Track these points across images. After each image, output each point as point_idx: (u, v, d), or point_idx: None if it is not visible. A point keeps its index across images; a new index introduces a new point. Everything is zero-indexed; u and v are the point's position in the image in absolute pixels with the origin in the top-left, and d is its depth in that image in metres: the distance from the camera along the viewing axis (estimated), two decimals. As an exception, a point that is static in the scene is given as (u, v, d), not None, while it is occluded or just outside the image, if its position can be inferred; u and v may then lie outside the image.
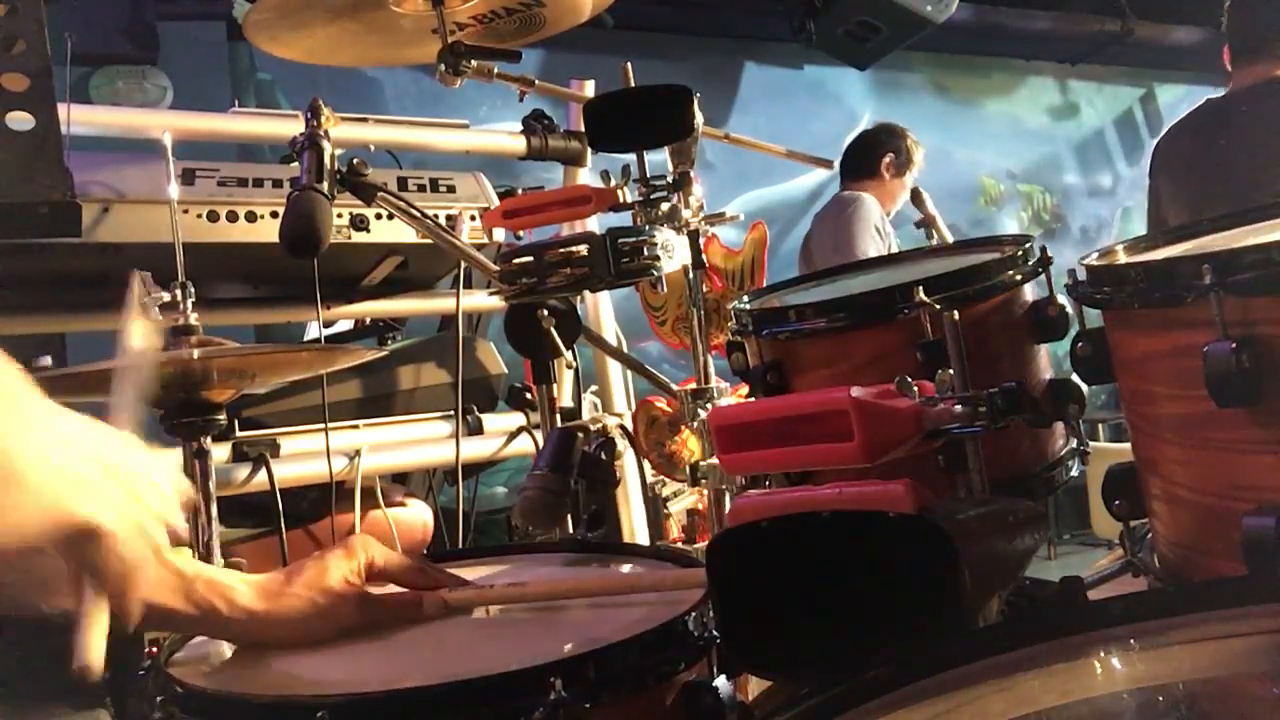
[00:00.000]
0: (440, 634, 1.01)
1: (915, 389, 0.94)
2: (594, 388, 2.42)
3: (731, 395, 1.51)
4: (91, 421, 0.76)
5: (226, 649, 1.00)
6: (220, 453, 1.92)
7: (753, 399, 1.33)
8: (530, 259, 1.30)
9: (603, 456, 1.28)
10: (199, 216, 1.93)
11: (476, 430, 2.26)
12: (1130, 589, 1.02)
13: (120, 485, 0.75)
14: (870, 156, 4.11)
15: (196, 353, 1.43)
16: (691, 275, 1.48)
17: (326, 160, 1.50)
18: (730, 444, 0.97)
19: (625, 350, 2.28)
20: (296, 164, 1.53)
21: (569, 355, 1.35)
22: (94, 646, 0.75)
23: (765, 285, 1.62)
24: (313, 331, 2.42)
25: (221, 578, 0.98)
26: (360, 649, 0.98)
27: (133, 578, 0.76)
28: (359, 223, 2.06)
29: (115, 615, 0.77)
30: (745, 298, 1.41)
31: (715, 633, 0.89)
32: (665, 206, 1.42)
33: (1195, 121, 3.01)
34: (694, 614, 0.89)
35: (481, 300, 2.38)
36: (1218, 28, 3.06)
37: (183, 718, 0.85)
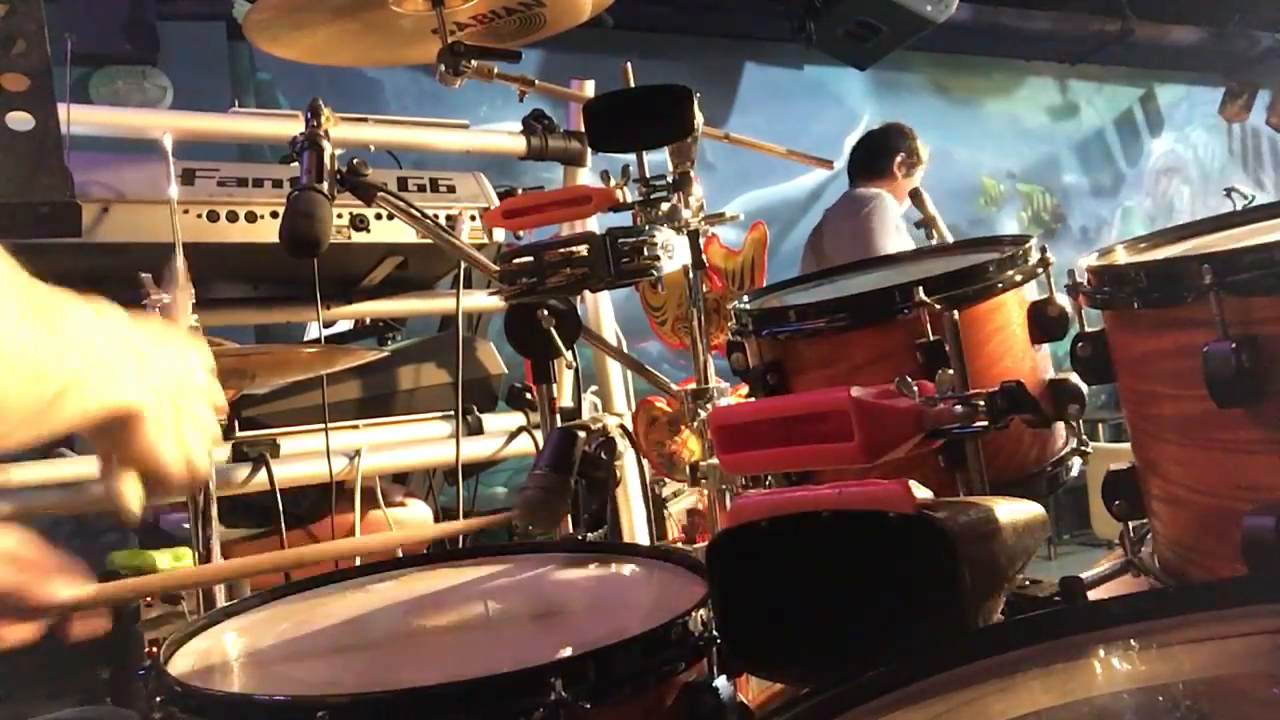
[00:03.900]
0: (440, 634, 1.01)
1: (915, 389, 0.94)
2: (594, 388, 2.42)
3: (731, 395, 1.51)
4: (124, 315, 0.78)
5: (227, 648, 1.00)
6: (220, 453, 1.92)
7: (753, 399, 1.33)
8: (530, 259, 1.30)
9: (603, 456, 1.28)
10: (199, 216, 1.93)
11: (476, 430, 2.27)
12: (1130, 589, 1.02)
13: (156, 373, 0.78)
14: (882, 155, 4.12)
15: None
16: (691, 275, 1.48)
17: (326, 160, 1.50)
18: (730, 444, 0.97)
19: (625, 350, 2.28)
20: (296, 164, 1.53)
21: (569, 355, 1.35)
22: (129, 495, 0.79)
23: (765, 285, 1.62)
24: (313, 331, 2.42)
25: None
26: (360, 649, 0.98)
27: (169, 455, 0.78)
28: (359, 223, 2.06)
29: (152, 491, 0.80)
30: (745, 298, 1.41)
31: (715, 633, 0.89)
32: (665, 206, 1.42)
33: None
34: (694, 614, 0.89)
35: (481, 300, 2.38)
36: (1218, 28, 3.06)
37: (183, 718, 0.85)
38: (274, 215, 1.95)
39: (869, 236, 3.82)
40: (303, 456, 2.02)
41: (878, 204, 3.92)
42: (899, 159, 4.10)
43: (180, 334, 0.86)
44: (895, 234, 3.86)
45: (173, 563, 1.84)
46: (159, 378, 0.78)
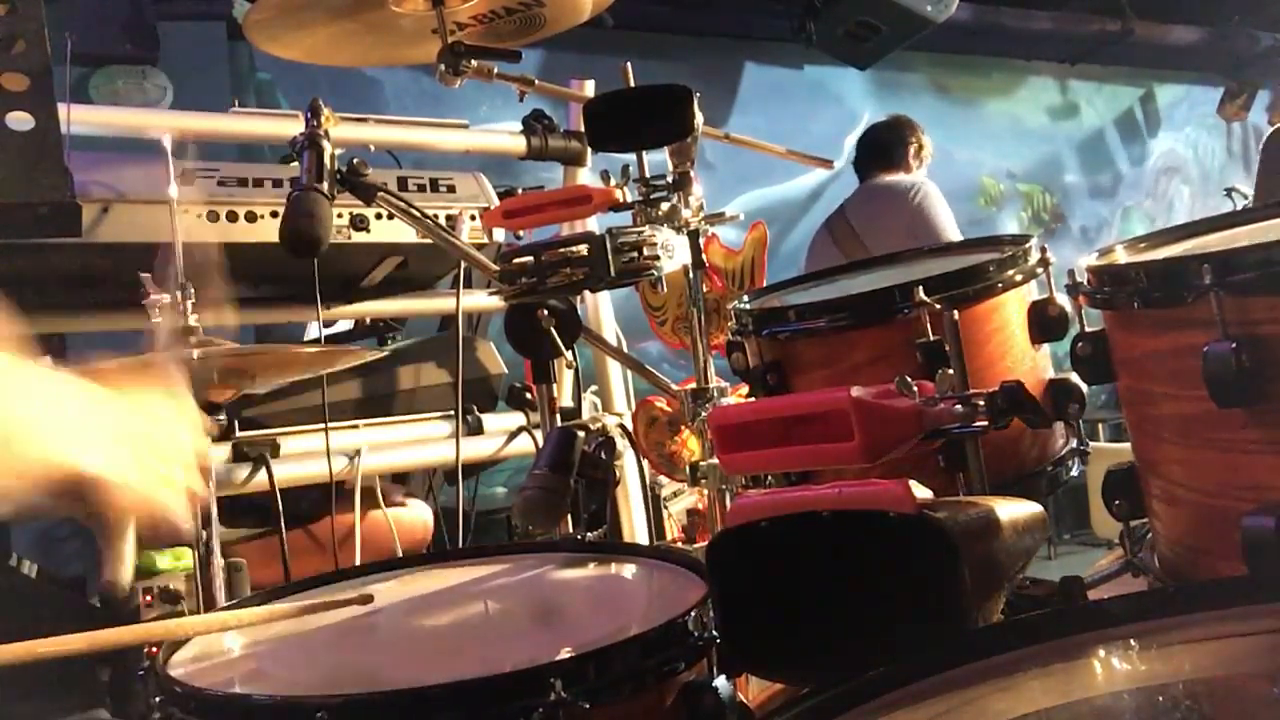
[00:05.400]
0: (440, 634, 1.01)
1: (915, 389, 0.94)
2: (594, 388, 2.42)
3: (731, 395, 1.51)
4: (92, 387, 0.78)
5: (228, 649, 1.00)
6: (220, 453, 1.92)
7: (753, 399, 1.33)
8: (530, 259, 1.30)
9: (603, 456, 1.28)
10: (199, 216, 1.93)
11: (476, 430, 2.27)
12: (1130, 589, 1.02)
13: (126, 440, 0.77)
14: (898, 146, 4.04)
15: (196, 353, 1.43)
16: (691, 275, 1.48)
17: (326, 160, 1.50)
18: (730, 444, 0.97)
19: (625, 350, 2.28)
20: (296, 164, 1.53)
21: (569, 355, 1.35)
22: (117, 562, 0.79)
23: (765, 285, 1.62)
24: (313, 331, 2.42)
25: None
26: (359, 649, 0.98)
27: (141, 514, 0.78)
28: (359, 223, 2.06)
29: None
30: (745, 298, 1.41)
31: (715, 633, 0.89)
32: (665, 206, 1.42)
33: None
34: (694, 614, 0.89)
35: (481, 300, 2.38)
36: (1218, 28, 3.06)
37: (183, 718, 0.85)
38: (274, 215, 1.95)
39: (930, 220, 3.73)
40: (303, 456, 2.02)
41: (926, 189, 3.83)
42: (913, 148, 4.04)
43: (158, 394, 0.84)
44: (951, 219, 3.78)
45: (173, 563, 1.84)
46: (129, 444, 0.77)
